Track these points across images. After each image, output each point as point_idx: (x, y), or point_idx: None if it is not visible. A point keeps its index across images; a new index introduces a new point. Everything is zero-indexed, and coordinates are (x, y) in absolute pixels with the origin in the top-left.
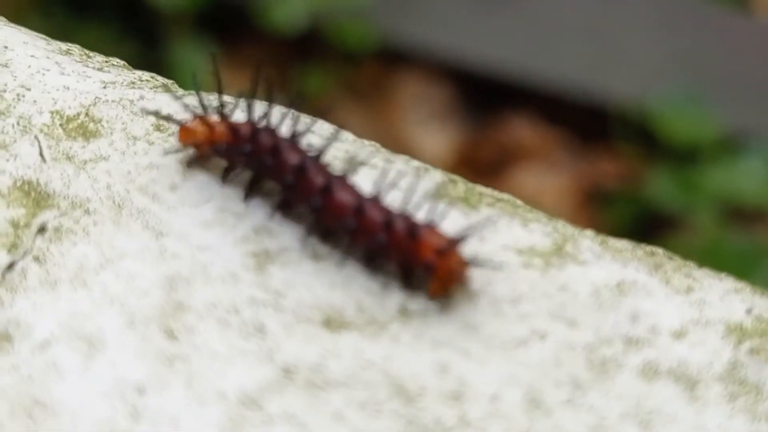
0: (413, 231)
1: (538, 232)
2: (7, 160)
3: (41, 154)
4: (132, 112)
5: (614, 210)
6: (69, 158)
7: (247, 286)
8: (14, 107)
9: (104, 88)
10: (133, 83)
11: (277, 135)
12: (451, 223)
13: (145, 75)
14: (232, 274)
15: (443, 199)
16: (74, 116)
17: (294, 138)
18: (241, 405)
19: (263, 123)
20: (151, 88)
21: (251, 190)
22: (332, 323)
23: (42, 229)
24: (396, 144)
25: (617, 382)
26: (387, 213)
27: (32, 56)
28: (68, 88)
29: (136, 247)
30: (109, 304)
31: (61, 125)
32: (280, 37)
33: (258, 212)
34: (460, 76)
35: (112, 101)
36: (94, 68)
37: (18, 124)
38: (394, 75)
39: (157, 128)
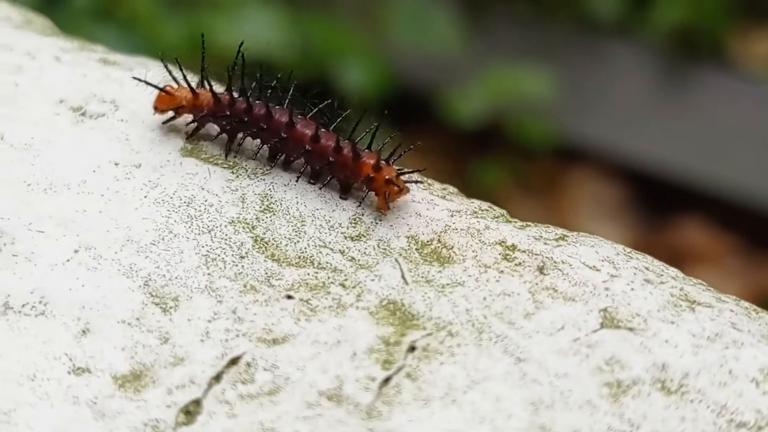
0: (356, 154)
1: None
2: (372, 280)
3: (403, 277)
4: (480, 241)
5: None
6: (428, 281)
7: (603, 415)
8: (373, 230)
9: (452, 216)
10: (476, 213)
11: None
12: None
13: (483, 205)
14: (589, 402)
15: None
16: (428, 242)
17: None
18: None
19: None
20: (492, 218)
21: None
22: None
23: (412, 348)
24: None
25: None
26: (337, 141)
27: None
28: (420, 215)
29: (499, 370)
30: (479, 423)
31: (417, 249)
32: (459, 129)
33: (607, 343)
34: (635, 176)
35: (461, 229)
36: (438, 196)
37: (378, 246)
38: (569, 172)
39: (505, 257)
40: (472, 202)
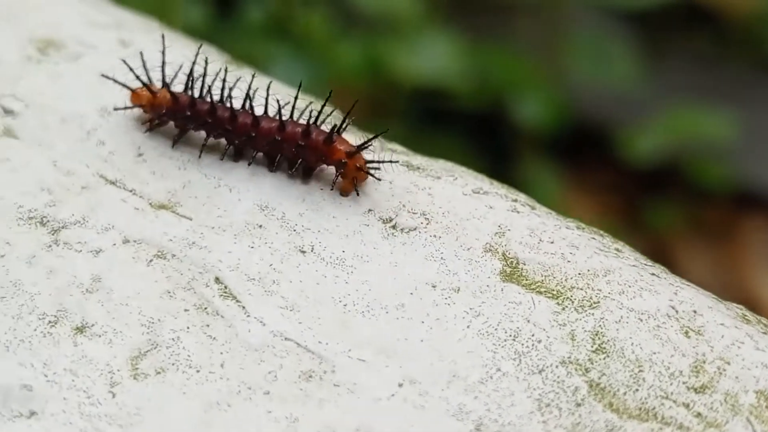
0: (329, 138)
1: None
2: None
3: None
4: None
5: None
6: None
7: None
8: (717, 382)
9: None
10: None
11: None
12: None
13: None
14: None
15: None
16: None
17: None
18: None
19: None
20: None
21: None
22: None
23: None
24: (737, 290)
25: None
26: (305, 127)
27: (722, 324)
28: (766, 366)
29: None
30: None
31: (767, 407)
32: (634, 167)
33: None
34: None
35: None
36: None
37: (725, 401)
38: (746, 219)
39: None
40: None
